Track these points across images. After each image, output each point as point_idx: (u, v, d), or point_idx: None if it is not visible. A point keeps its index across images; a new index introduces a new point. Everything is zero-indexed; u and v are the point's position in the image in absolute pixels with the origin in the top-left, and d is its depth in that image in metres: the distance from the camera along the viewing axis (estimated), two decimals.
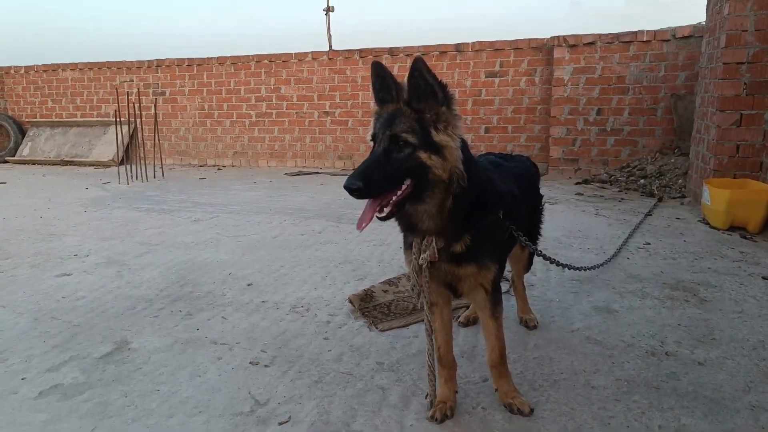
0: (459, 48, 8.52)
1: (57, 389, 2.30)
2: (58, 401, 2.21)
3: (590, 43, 7.75)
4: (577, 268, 3.11)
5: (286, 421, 2.05)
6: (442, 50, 8.62)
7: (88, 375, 2.42)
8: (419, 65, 1.68)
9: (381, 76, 1.80)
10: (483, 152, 2.70)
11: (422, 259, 1.89)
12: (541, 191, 2.86)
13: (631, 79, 7.68)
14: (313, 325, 2.90)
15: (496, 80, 8.49)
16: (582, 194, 6.59)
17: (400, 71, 8.92)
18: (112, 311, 3.16)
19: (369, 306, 3.01)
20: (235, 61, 9.96)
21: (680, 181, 6.64)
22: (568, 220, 5.24)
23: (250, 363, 2.50)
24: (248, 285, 3.56)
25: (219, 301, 3.29)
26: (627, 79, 7.70)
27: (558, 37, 7.91)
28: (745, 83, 5.17)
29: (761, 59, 5.11)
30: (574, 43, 7.82)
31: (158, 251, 4.37)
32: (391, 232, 4.74)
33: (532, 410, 2.05)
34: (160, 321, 3.01)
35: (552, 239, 4.36)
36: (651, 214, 5.41)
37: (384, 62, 8.65)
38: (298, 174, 9.06)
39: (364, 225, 1.75)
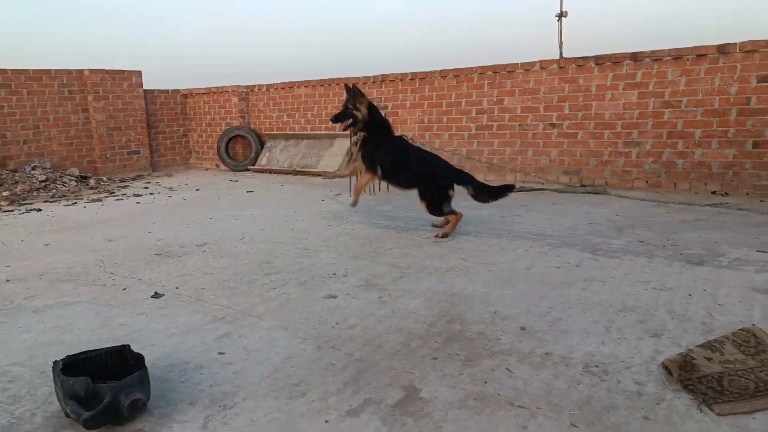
0: (722, 50, 7.30)
1: None
2: None
3: None
4: None
5: None
6: (700, 53, 7.46)
7: (389, 427, 2.28)
8: (351, 88, 5.46)
9: (347, 90, 5.49)
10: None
11: (355, 138, 6.00)
12: None
13: None
14: (621, 396, 2.46)
15: None
16: None
17: (644, 78, 7.99)
18: (388, 346, 3.07)
19: (692, 377, 2.48)
20: (458, 73, 9.86)
21: None
22: None
23: None
24: (521, 329, 3.23)
25: (496, 347, 3.01)
26: None
27: None
28: None
29: None
30: None
31: (411, 276, 4.29)
32: (670, 273, 4.07)
33: None
34: (441, 365, 2.83)
35: None
36: None
37: (625, 68, 7.90)
38: (520, 190, 8.61)
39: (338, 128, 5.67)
